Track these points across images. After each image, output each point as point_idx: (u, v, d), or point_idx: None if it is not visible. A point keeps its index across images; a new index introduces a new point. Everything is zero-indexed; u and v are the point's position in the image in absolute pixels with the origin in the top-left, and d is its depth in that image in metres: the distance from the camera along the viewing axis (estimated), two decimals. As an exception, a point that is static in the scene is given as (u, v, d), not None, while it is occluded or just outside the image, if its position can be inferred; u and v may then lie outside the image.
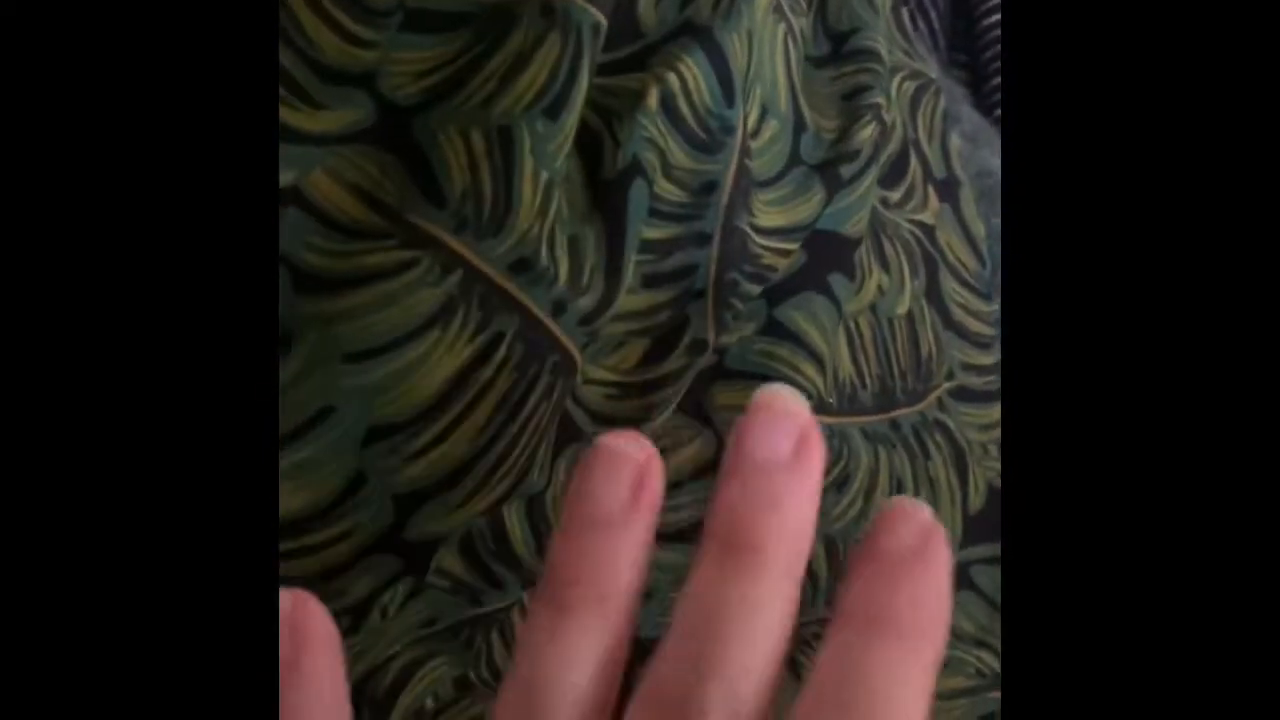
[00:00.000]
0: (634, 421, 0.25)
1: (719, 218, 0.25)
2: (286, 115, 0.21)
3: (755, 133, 0.27)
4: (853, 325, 0.29)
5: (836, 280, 0.27)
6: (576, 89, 0.23)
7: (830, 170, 0.28)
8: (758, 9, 0.26)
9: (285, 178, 0.21)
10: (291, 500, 0.21)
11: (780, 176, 0.27)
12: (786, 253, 0.26)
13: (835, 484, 0.27)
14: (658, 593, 0.26)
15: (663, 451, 0.26)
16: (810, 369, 0.27)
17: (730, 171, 0.25)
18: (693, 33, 0.25)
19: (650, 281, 0.24)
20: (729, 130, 0.25)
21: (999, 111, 0.42)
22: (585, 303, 0.23)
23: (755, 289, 0.26)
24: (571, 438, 0.24)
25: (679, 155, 0.24)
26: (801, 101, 0.28)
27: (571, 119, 0.23)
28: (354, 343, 0.21)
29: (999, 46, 0.42)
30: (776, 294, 0.27)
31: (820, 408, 0.27)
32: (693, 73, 0.24)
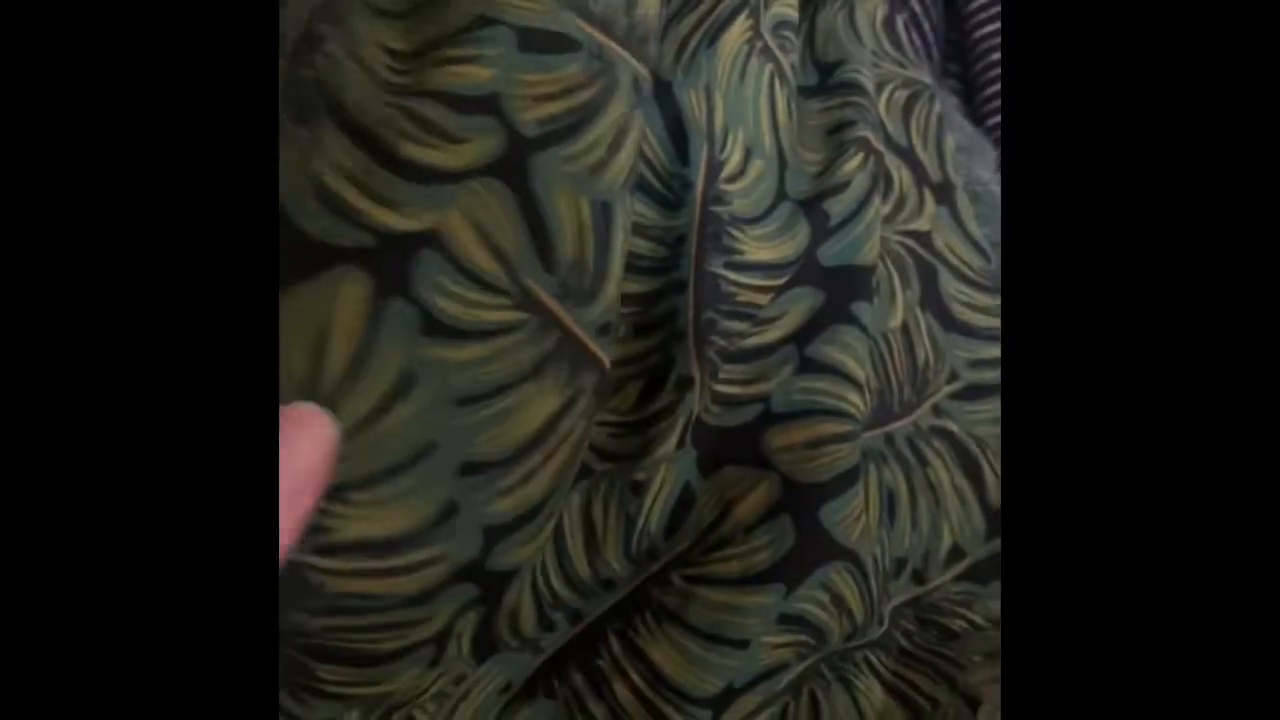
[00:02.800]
0: (636, 456, 0.26)
1: (691, 266, 0.26)
2: (424, 154, 0.21)
3: (740, 174, 0.27)
4: (867, 355, 0.30)
5: (860, 308, 0.29)
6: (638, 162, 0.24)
7: (815, 206, 0.29)
8: (720, 59, 0.27)
9: (427, 219, 0.21)
10: (392, 523, 0.22)
11: (768, 213, 0.28)
12: (767, 289, 0.28)
13: (864, 504, 0.28)
14: (752, 638, 0.26)
15: (732, 502, 0.27)
16: (854, 395, 0.28)
17: (695, 224, 0.26)
18: (655, 91, 0.26)
19: (640, 330, 0.26)
20: (688, 186, 0.26)
21: (991, 121, 0.42)
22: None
23: (739, 325, 0.27)
24: (582, 475, 0.25)
25: (649, 215, 0.25)
26: (784, 139, 0.29)
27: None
28: (466, 390, 0.22)
29: (992, 57, 0.42)
30: (803, 336, 0.28)
31: (861, 432, 0.28)
32: (651, 144, 0.26)
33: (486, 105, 0.22)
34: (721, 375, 0.27)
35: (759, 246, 0.27)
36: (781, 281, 0.28)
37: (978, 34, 0.42)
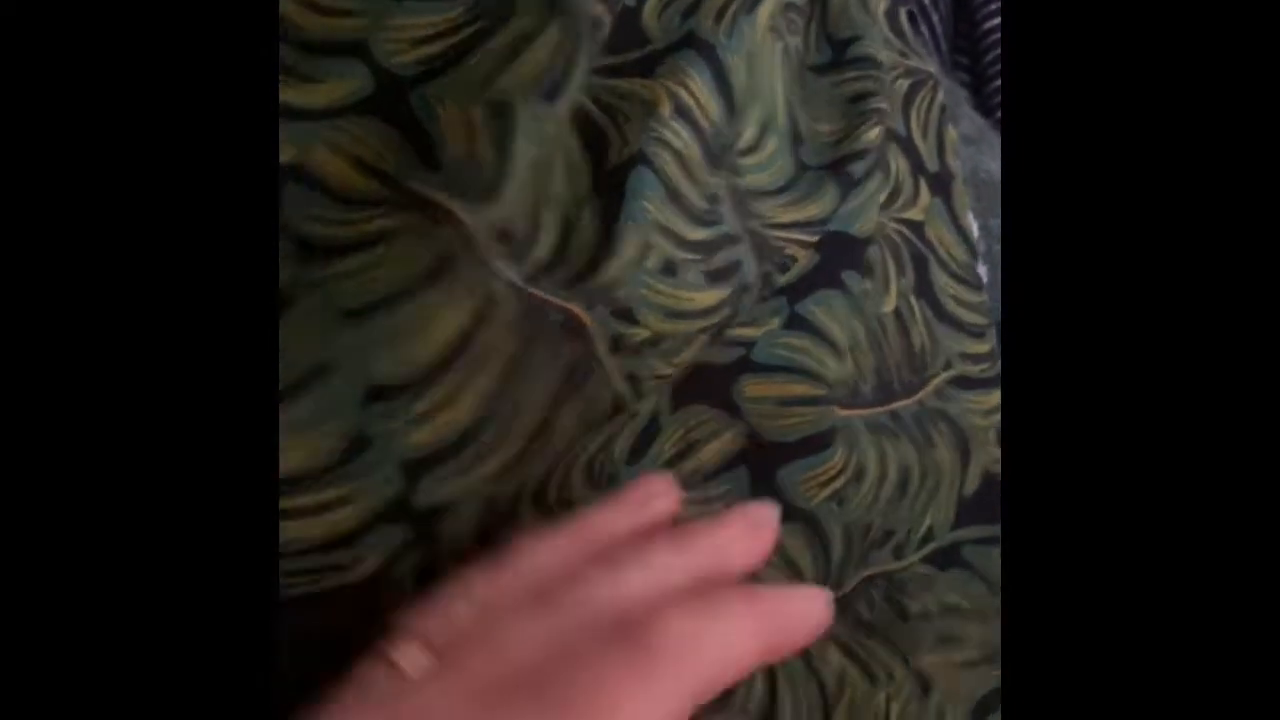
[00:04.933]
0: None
1: (733, 222, 0.26)
2: (285, 95, 0.21)
3: (754, 148, 0.27)
4: (852, 324, 0.29)
5: (850, 277, 0.28)
6: (573, 77, 0.23)
7: (841, 169, 0.28)
8: (758, 28, 0.26)
9: (286, 154, 0.21)
10: (289, 458, 0.20)
11: (791, 184, 0.28)
12: (806, 244, 0.27)
13: (855, 476, 0.27)
14: None
15: (695, 443, 0.27)
16: (832, 361, 0.27)
17: (725, 183, 0.26)
18: (697, 47, 0.25)
19: (714, 278, 0.25)
20: (727, 147, 0.26)
21: (1001, 113, 0.42)
22: (564, 272, 0.23)
23: (780, 278, 0.27)
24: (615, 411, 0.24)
25: (696, 164, 0.24)
26: (798, 114, 0.29)
27: (565, 106, 0.23)
28: (351, 300, 0.21)
29: (999, 50, 0.42)
30: (796, 292, 0.28)
31: (838, 400, 0.27)
32: (700, 91, 0.25)
33: (349, 49, 0.22)
34: None
35: (785, 210, 0.27)
36: (818, 238, 0.28)
37: (986, 25, 0.42)
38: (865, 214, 0.29)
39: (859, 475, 0.28)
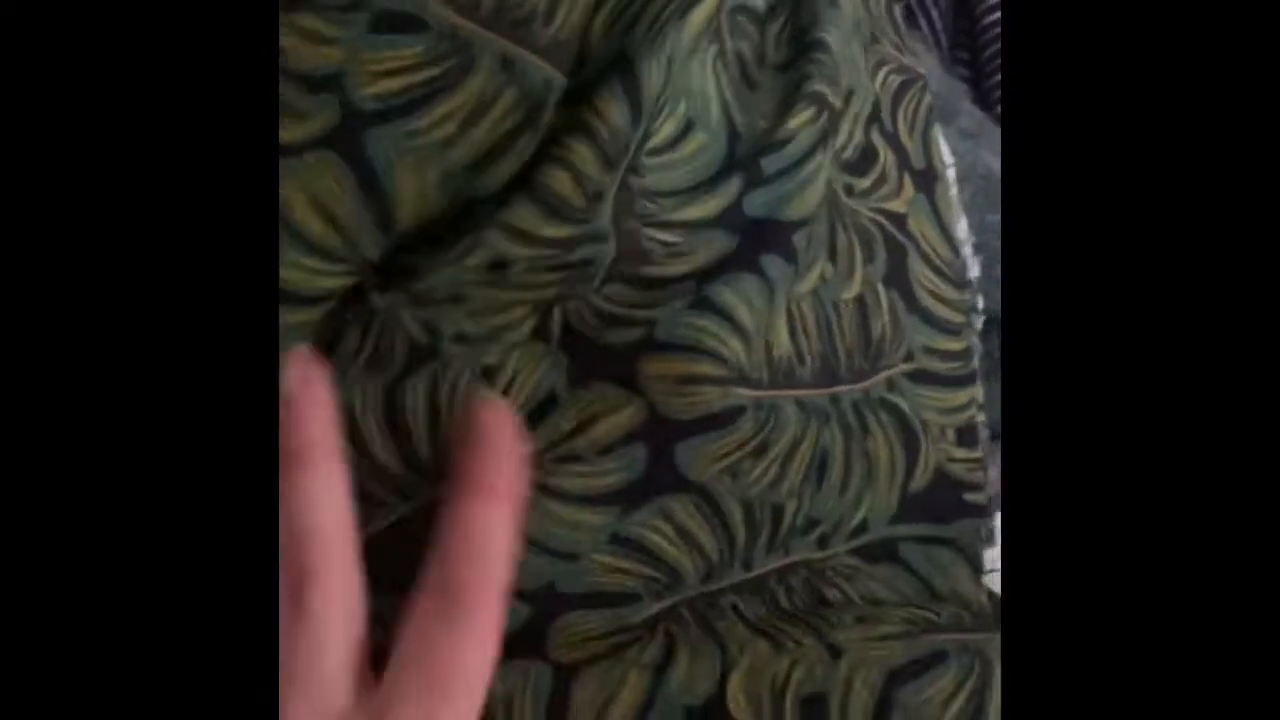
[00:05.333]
0: (487, 339, 0.27)
1: (608, 220, 0.26)
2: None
3: (669, 146, 0.28)
4: (794, 308, 0.29)
5: (770, 261, 0.28)
6: (525, 144, 0.24)
7: (752, 161, 0.28)
8: (688, 32, 0.27)
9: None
10: None
11: (710, 181, 0.28)
12: (670, 245, 0.28)
13: (754, 452, 0.28)
14: (582, 553, 0.27)
15: (594, 418, 0.28)
16: (736, 342, 0.27)
17: (613, 186, 0.26)
18: (620, 66, 0.26)
19: (552, 269, 0.26)
20: (626, 149, 0.26)
21: (1000, 108, 0.42)
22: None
23: (643, 268, 0.28)
24: (429, 357, 0.26)
25: (591, 166, 0.25)
26: (735, 112, 0.29)
27: (512, 170, 0.25)
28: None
29: (1000, 44, 0.42)
30: (707, 275, 0.28)
31: (743, 381, 0.28)
32: (606, 102, 0.26)
33: (329, 84, 0.23)
34: (605, 293, 0.27)
35: (679, 208, 0.28)
36: (717, 237, 0.28)
37: (985, 20, 0.42)
38: (796, 197, 0.29)
39: (760, 451, 0.28)
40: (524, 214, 0.25)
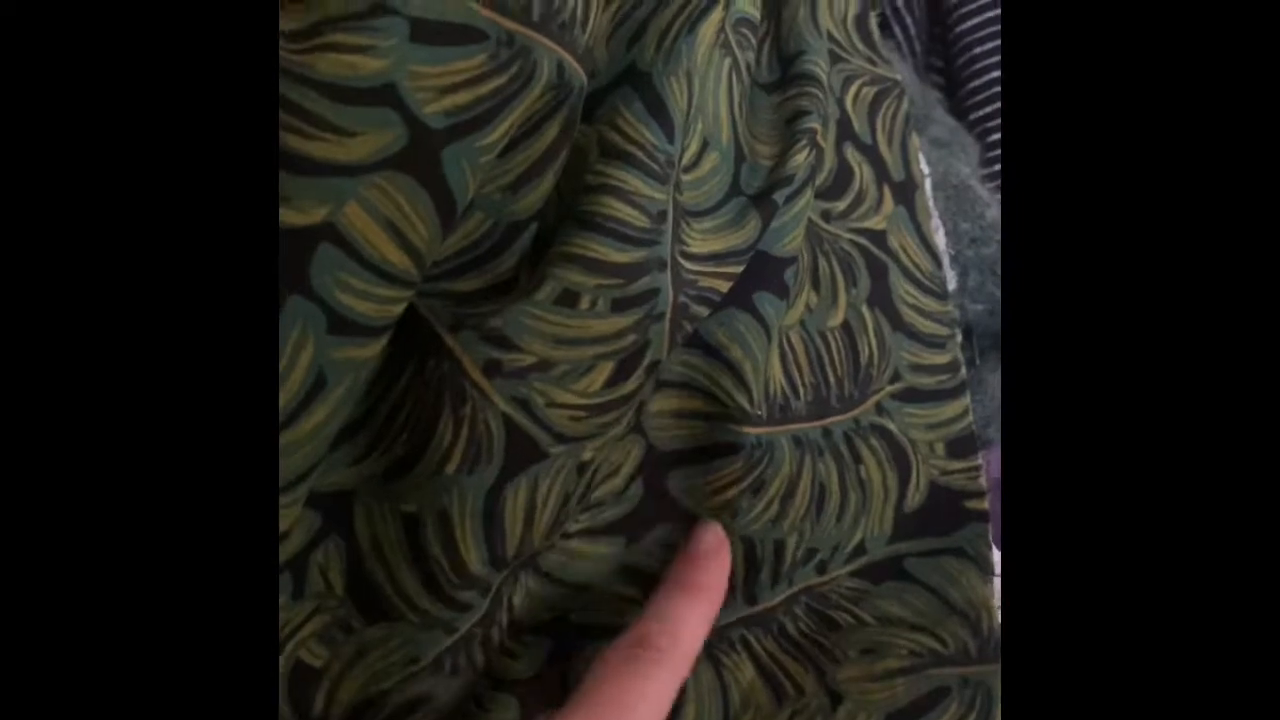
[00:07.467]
0: (591, 437, 0.25)
1: (670, 243, 0.26)
2: (312, 148, 0.21)
3: (694, 164, 0.27)
4: (784, 340, 0.29)
5: (763, 298, 0.28)
6: (559, 162, 0.24)
7: (766, 199, 0.28)
8: (699, 46, 0.26)
9: (320, 213, 0.21)
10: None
11: (719, 206, 0.28)
12: (729, 276, 0.27)
13: (752, 489, 0.27)
14: (594, 584, 0.27)
15: (618, 466, 0.27)
16: (728, 380, 0.27)
17: (671, 203, 0.26)
18: (634, 81, 0.26)
19: (618, 306, 0.25)
20: (672, 164, 0.26)
21: (974, 116, 0.42)
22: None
23: (704, 311, 0.27)
24: (533, 458, 0.24)
25: (637, 184, 0.25)
26: (742, 133, 0.29)
27: (545, 192, 0.25)
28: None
29: (974, 52, 0.42)
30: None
31: (742, 418, 0.27)
32: (633, 125, 0.25)
33: (380, 97, 0.21)
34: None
35: (704, 239, 0.27)
36: (739, 269, 0.27)
37: (960, 29, 0.42)
38: (790, 233, 0.29)
39: (758, 488, 0.27)
40: (588, 241, 0.24)
